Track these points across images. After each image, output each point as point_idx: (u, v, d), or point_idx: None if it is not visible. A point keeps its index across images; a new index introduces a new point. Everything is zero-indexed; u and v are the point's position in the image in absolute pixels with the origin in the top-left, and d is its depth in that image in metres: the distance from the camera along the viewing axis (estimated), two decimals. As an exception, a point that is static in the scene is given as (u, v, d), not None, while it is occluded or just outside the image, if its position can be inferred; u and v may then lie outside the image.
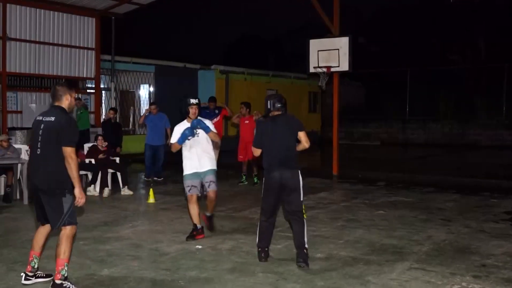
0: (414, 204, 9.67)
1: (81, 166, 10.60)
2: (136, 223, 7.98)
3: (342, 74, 14.39)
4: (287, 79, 25.57)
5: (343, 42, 13.40)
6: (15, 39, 14.80)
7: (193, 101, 7.07)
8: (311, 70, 13.89)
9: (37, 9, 15.34)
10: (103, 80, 18.20)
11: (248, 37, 44.26)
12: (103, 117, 17.35)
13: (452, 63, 29.88)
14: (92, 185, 10.50)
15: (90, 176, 10.71)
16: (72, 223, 5.00)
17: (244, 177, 12.13)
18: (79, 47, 16.46)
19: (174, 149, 7.06)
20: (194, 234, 6.93)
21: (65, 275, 4.92)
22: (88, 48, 16.68)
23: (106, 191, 10.43)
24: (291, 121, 5.92)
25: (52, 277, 5.08)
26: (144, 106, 19.33)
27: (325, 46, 13.61)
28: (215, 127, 12.30)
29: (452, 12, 30.30)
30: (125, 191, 10.59)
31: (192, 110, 7.04)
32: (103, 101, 18.45)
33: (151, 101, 19.85)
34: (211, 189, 6.99)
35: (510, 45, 26.95)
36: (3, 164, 9.69)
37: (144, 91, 20.43)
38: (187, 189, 6.97)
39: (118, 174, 10.87)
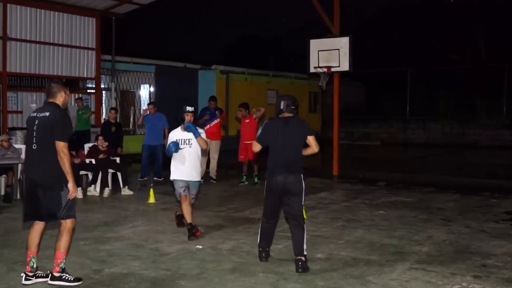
0: (414, 204, 9.67)
1: (82, 166, 10.64)
2: (136, 223, 7.98)
3: (342, 74, 14.40)
4: (287, 79, 25.57)
5: (343, 42, 13.40)
6: (16, 39, 14.81)
7: (189, 108, 7.33)
8: (312, 70, 13.89)
9: (38, 9, 15.35)
10: (103, 80, 18.20)
11: (248, 37, 44.24)
12: (104, 117, 17.38)
13: (452, 63, 29.87)
14: (93, 185, 10.50)
15: (90, 176, 10.71)
16: (70, 217, 5.13)
17: (244, 177, 12.13)
18: (80, 47, 16.46)
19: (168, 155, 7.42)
20: (193, 232, 7.00)
21: (63, 267, 5.10)
22: (88, 48, 16.69)
23: (107, 191, 10.43)
24: (302, 125, 5.87)
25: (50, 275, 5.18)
26: (144, 106, 19.33)
27: (325, 46, 13.61)
28: (214, 128, 12.50)
29: (452, 12, 30.29)
30: (126, 191, 10.60)
31: (187, 118, 7.27)
32: (103, 101, 18.46)
33: (151, 101, 19.88)
34: (192, 200, 7.35)
35: (510, 45, 26.93)
36: (3, 164, 9.70)
37: (145, 91, 20.43)
38: (180, 189, 7.19)
39: (119, 174, 10.88)
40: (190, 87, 20.29)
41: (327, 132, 23.87)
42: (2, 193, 9.96)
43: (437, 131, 25.24)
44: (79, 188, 10.19)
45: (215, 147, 12.51)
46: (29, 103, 15.39)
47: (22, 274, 5.16)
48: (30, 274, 5.14)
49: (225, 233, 7.31)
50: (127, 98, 20.18)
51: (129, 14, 17.55)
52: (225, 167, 13.77)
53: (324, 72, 13.67)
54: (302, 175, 5.77)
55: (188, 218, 7.06)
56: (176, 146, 7.16)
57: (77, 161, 10.61)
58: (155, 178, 12.39)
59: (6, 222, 7.98)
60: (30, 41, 15.18)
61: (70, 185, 5.07)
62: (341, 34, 13.70)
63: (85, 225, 7.76)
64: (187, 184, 7.22)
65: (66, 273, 5.13)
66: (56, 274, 5.09)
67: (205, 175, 12.49)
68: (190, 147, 7.23)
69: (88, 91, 17.65)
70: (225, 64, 23.67)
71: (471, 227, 7.75)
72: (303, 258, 5.56)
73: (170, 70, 20.26)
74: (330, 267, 5.73)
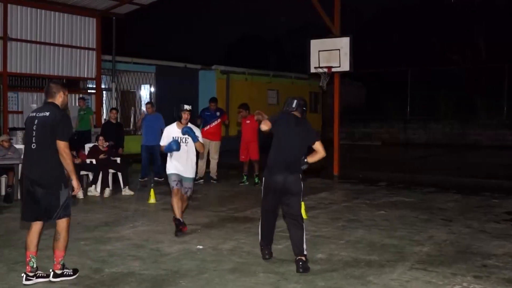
0: (415, 204, 9.67)
1: (82, 166, 10.64)
2: (137, 223, 7.98)
3: (343, 74, 14.40)
4: (287, 79, 25.56)
5: (344, 42, 13.40)
6: (16, 40, 14.81)
7: (186, 107, 7.46)
8: (312, 70, 13.90)
9: (38, 10, 15.35)
10: (104, 80, 18.20)
11: (249, 37, 44.24)
12: (104, 117, 17.38)
13: (453, 63, 29.86)
14: (93, 186, 10.50)
15: (91, 177, 10.71)
16: (66, 216, 5.22)
17: (245, 177, 12.13)
18: (80, 48, 16.46)
19: (162, 151, 7.58)
20: (180, 228, 7.18)
21: (63, 263, 5.24)
22: (89, 49, 16.69)
23: (107, 192, 10.43)
24: (310, 130, 5.87)
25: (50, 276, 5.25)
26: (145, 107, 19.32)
27: (326, 46, 13.61)
28: (215, 129, 12.50)
29: (452, 12, 30.28)
30: (126, 191, 10.60)
31: (184, 116, 7.44)
32: (104, 102, 18.46)
33: (152, 101, 19.87)
34: (187, 195, 7.56)
35: (510, 45, 26.92)
36: (4, 164, 9.70)
37: (145, 91, 20.44)
38: (173, 183, 7.37)
39: (119, 174, 10.88)
40: (190, 87, 20.29)
41: (327, 132, 23.86)
42: (3, 193, 9.97)
43: (437, 131, 25.24)
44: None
45: (214, 147, 12.51)
46: (30, 103, 15.40)
47: (22, 275, 5.18)
48: (31, 274, 5.16)
49: (226, 233, 7.31)
50: (128, 98, 20.18)
51: (129, 14, 17.55)
52: (226, 167, 13.76)
53: (324, 72, 13.67)
54: (301, 175, 5.76)
55: (177, 213, 7.23)
56: (177, 144, 7.25)
57: (77, 161, 10.60)
58: (156, 178, 12.39)
59: (6, 222, 7.98)
60: (31, 41, 15.18)
61: (75, 182, 5.19)
62: (342, 34, 13.71)
63: (85, 225, 7.77)
64: (180, 178, 7.40)
65: (66, 268, 5.27)
66: (58, 272, 5.21)
67: (206, 175, 12.51)
68: (186, 145, 7.39)
69: (88, 91, 17.65)
70: (226, 64, 23.67)
71: (472, 227, 7.75)
72: (303, 258, 5.54)
73: (171, 70, 20.27)
74: (331, 267, 5.73)
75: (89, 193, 10.43)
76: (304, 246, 5.61)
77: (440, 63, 28.47)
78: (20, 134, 13.86)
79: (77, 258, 5.98)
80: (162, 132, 12.27)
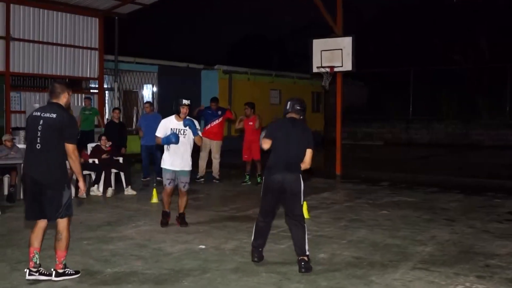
0: (417, 204, 9.66)
1: (85, 166, 10.63)
2: (139, 223, 7.98)
3: (345, 74, 14.39)
4: (290, 79, 25.55)
5: (346, 42, 13.40)
6: (19, 39, 14.82)
7: (185, 101, 7.59)
8: (315, 70, 13.90)
9: (41, 9, 15.35)
10: (106, 80, 18.21)
11: (251, 37, 44.22)
12: (107, 117, 17.39)
13: (455, 63, 29.82)
14: (96, 185, 10.51)
15: (93, 176, 10.72)
16: (68, 215, 5.27)
17: (247, 176, 12.13)
18: (83, 47, 16.47)
19: (158, 142, 7.74)
20: (167, 220, 7.69)
21: (65, 263, 5.26)
22: (91, 48, 16.69)
23: (110, 191, 10.44)
24: (307, 132, 5.83)
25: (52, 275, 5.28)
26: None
27: (328, 46, 13.60)
28: (217, 128, 12.51)
29: (455, 12, 30.23)
30: (129, 191, 10.61)
31: (183, 110, 7.58)
32: (106, 101, 18.47)
33: (154, 101, 19.88)
34: (185, 189, 7.65)
35: (513, 45, 26.89)
36: (6, 164, 9.72)
37: (148, 91, 20.44)
38: (166, 181, 7.63)
39: (122, 174, 10.88)
40: (193, 87, 20.29)
41: (330, 132, 23.88)
42: (6, 193, 9.98)
43: (440, 131, 25.20)
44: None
45: (216, 147, 12.50)
46: (32, 103, 15.41)
47: (25, 270, 5.23)
48: (34, 270, 5.22)
49: (228, 233, 7.31)
50: (130, 98, 20.19)
51: (132, 14, 17.55)
52: (228, 167, 13.77)
53: (327, 72, 13.67)
54: (301, 175, 5.72)
55: (166, 206, 7.69)
56: (176, 137, 7.39)
57: (80, 161, 10.61)
58: (158, 178, 12.39)
59: (9, 222, 7.99)
60: (33, 41, 15.19)
61: (81, 184, 5.31)
62: (344, 34, 13.70)
63: (88, 224, 7.78)
64: (175, 176, 7.57)
65: (68, 268, 5.29)
66: (60, 271, 5.24)
67: (207, 175, 12.51)
68: (184, 137, 7.55)
69: (91, 91, 17.66)
70: (228, 64, 23.67)
71: (475, 227, 7.74)
72: (305, 258, 5.53)
73: (173, 70, 20.27)
74: (333, 267, 5.73)
75: (91, 193, 10.43)
76: (306, 246, 5.58)
77: (443, 63, 28.43)
78: (22, 133, 13.87)
79: (80, 258, 5.99)
80: None
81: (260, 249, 5.85)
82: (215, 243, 6.72)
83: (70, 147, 5.14)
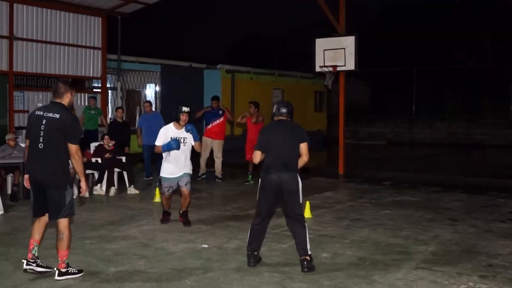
0: (420, 203, 9.65)
1: (88, 165, 10.66)
2: (142, 222, 8.00)
3: (348, 73, 14.37)
4: (292, 78, 25.55)
5: (349, 41, 13.38)
6: (22, 39, 14.84)
7: (184, 109, 7.54)
8: (317, 69, 13.88)
9: (44, 9, 15.37)
10: (109, 79, 18.23)
11: (254, 36, 44.25)
12: (110, 116, 17.42)
13: (458, 62, 29.79)
14: (99, 184, 10.52)
15: (96, 175, 10.74)
16: (71, 215, 5.32)
17: (250, 176, 12.13)
18: (86, 47, 16.49)
19: (158, 151, 7.68)
20: (167, 218, 7.85)
21: (67, 262, 5.29)
22: (94, 48, 16.71)
23: (113, 190, 10.46)
24: (296, 129, 5.81)
25: (51, 269, 5.35)
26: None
27: (331, 45, 13.59)
28: (218, 127, 12.49)
29: (458, 11, 30.19)
30: (131, 190, 10.62)
31: (183, 118, 7.55)
32: (109, 101, 18.50)
33: (156, 100, 19.91)
34: (186, 188, 7.61)
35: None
36: (10, 163, 9.74)
37: (150, 91, 20.46)
38: (165, 189, 7.74)
39: (124, 173, 10.90)
40: (195, 86, 20.32)
41: (332, 131, 23.86)
42: (9, 192, 10.00)
43: (443, 130, 25.17)
44: (85, 187, 10.25)
45: (218, 146, 12.51)
46: (36, 102, 15.43)
47: (23, 260, 5.34)
48: (31, 261, 5.31)
49: (231, 232, 7.31)
50: (133, 98, 20.21)
51: (134, 14, 17.56)
52: (231, 166, 13.78)
53: (329, 71, 13.66)
54: (297, 174, 5.68)
55: (165, 206, 7.85)
56: (177, 143, 7.38)
57: (83, 160, 10.63)
58: (160, 176, 12.42)
59: (13, 221, 8.01)
60: (36, 41, 15.21)
61: (83, 184, 5.34)
62: (347, 33, 13.68)
63: (91, 224, 7.80)
64: (174, 184, 7.65)
65: (70, 267, 5.31)
66: (63, 270, 5.25)
67: (211, 175, 12.52)
68: (184, 145, 7.56)
69: (94, 90, 17.68)
70: (231, 63, 23.69)
71: (478, 226, 7.73)
72: (308, 258, 5.52)
73: (176, 70, 20.28)
74: (336, 267, 5.73)
75: (94, 192, 10.45)
76: (308, 245, 5.56)
77: (446, 63, 28.41)
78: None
79: (83, 257, 6.00)
80: None
81: (255, 253, 5.75)
82: (217, 243, 6.72)
83: (73, 147, 5.17)
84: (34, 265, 5.31)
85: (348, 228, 7.64)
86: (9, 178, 10.17)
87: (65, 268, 5.25)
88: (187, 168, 7.63)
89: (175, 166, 7.55)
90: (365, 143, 25.61)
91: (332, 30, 14.13)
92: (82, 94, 17.08)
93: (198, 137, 7.57)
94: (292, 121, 5.93)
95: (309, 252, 5.56)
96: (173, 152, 7.48)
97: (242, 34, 45.56)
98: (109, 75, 17.97)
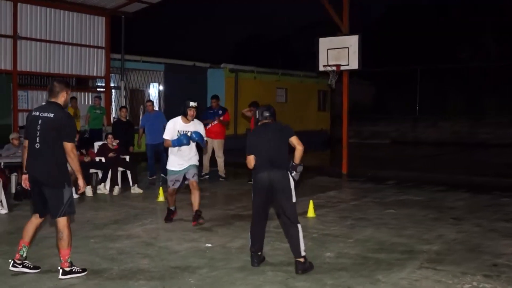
0: (424, 202, 9.63)
1: (92, 164, 10.69)
2: (146, 221, 8.01)
3: (351, 72, 14.36)
4: (296, 77, 25.53)
5: (353, 41, 13.37)
6: (26, 38, 14.88)
7: (192, 104, 7.48)
8: (321, 68, 13.88)
9: (48, 8, 15.41)
10: (113, 78, 18.24)
11: (257, 36, 44.23)
12: (113, 116, 17.44)
13: (462, 61, 29.73)
14: (102, 184, 10.54)
15: (100, 175, 10.76)
16: (70, 213, 5.33)
17: (253, 175, 12.10)
18: (89, 46, 16.51)
19: (166, 145, 7.60)
20: (171, 217, 7.84)
21: (70, 260, 5.30)
22: (98, 47, 16.73)
23: (116, 190, 10.47)
24: (282, 128, 5.82)
25: (39, 269, 5.42)
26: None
27: (334, 44, 13.58)
28: (218, 127, 12.47)
29: (462, 10, 30.12)
30: (135, 190, 10.63)
31: (190, 113, 7.50)
32: (113, 100, 18.52)
33: (160, 99, 19.91)
34: (194, 179, 7.58)
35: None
36: (14, 162, 9.76)
37: (154, 90, 20.47)
38: (170, 183, 7.69)
39: (128, 172, 10.91)
40: (199, 85, 20.31)
41: (336, 130, 23.84)
42: (13, 191, 10.02)
43: (446, 129, 25.12)
44: (89, 187, 10.28)
45: (218, 146, 12.51)
46: (40, 102, 15.46)
47: (10, 260, 5.39)
48: (18, 262, 5.36)
49: (234, 231, 7.32)
50: (137, 97, 20.22)
51: (138, 13, 17.58)
52: (234, 165, 13.77)
53: (333, 71, 13.64)
54: (288, 172, 5.66)
55: (170, 203, 7.87)
56: (188, 139, 7.33)
57: (87, 159, 10.66)
58: (162, 175, 12.44)
59: (17, 220, 8.03)
60: (40, 40, 15.24)
61: (81, 181, 5.35)
62: (351, 33, 13.66)
63: (95, 223, 7.81)
64: (180, 178, 7.63)
65: (74, 266, 5.32)
66: (67, 269, 5.27)
67: (214, 174, 12.52)
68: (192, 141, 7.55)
69: (97, 89, 17.71)
70: (234, 62, 23.69)
71: (482, 226, 7.71)
72: (301, 260, 5.45)
73: (179, 69, 20.29)
74: (339, 266, 5.72)
75: (98, 191, 10.47)
76: (302, 246, 5.47)
77: (450, 62, 28.35)
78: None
79: (87, 256, 6.01)
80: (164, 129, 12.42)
81: (259, 253, 5.75)
82: (221, 242, 6.73)
83: (68, 146, 5.18)
84: (21, 266, 5.36)
85: (351, 227, 7.63)
86: (13, 177, 10.19)
87: (68, 267, 5.26)
88: (194, 160, 7.63)
89: (181, 159, 7.54)
90: (369, 142, 25.58)
91: (335, 29, 14.11)
92: (86, 93, 17.11)
93: (205, 143, 7.66)
94: (276, 121, 5.94)
95: (303, 254, 5.47)
96: (177, 148, 7.49)
97: (246, 34, 45.58)
98: (112, 74, 17.99)
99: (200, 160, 10.78)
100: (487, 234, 7.19)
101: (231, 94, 21.28)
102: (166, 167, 7.80)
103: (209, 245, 6.58)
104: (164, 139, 7.57)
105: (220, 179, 12.43)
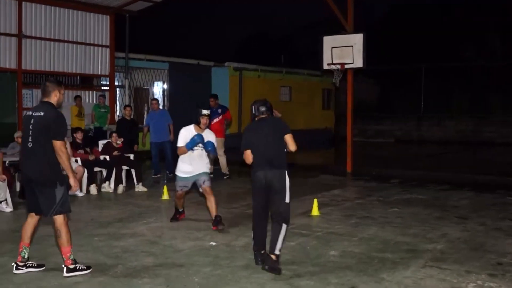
0: (428, 201, 9.62)
1: (96, 163, 10.71)
2: (150, 219, 8.02)
3: (356, 71, 14.34)
4: (300, 76, 25.51)
5: (357, 39, 13.34)
6: (31, 37, 14.93)
7: (204, 112, 7.38)
8: (325, 67, 13.86)
9: (52, 7, 15.46)
10: (117, 77, 18.29)
11: (261, 34, 44.20)
12: (117, 114, 17.48)
13: (467, 60, 29.64)
14: (107, 182, 10.56)
15: (104, 173, 10.78)
16: (63, 212, 5.30)
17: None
18: (94, 45, 16.56)
19: (181, 153, 7.42)
20: (177, 217, 7.81)
21: (73, 258, 5.30)
22: (102, 46, 16.77)
23: (121, 188, 10.49)
24: (278, 123, 5.78)
25: (44, 267, 5.44)
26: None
27: (339, 43, 13.56)
28: (217, 126, 12.47)
29: (466, 8, 30.01)
30: (140, 188, 10.64)
31: (203, 121, 7.39)
32: (117, 99, 18.56)
33: (164, 98, 19.94)
34: (205, 185, 7.43)
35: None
36: (19, 160, 9.77)
37: (158, 88, 20.52)
38: (178, 188, 7.61)
39: (133, 171, 10.93)
40: (203, 84, 20.33)
41: (340, 129, 23.82)
42: (18, 189, 10.05)
43: (451, 128, 25.06)
44: (94, 185, 10.30)
45: (218, 144, 12.39)
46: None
47: (12, 264, 5.38)
48: (21, 264, 5.36)
49: (238, 230, 7.31)
50: (141, 95, 20.27)
51: (142, 12, 17.61)
52: (238, 164, 13.75)
53: (337, 69, 13.63)
54: (286, 171, 5.61)
55: (178, 205, 7.81)
56: (201, 137, 7.21)
57: (91, 157, 10.68)
58: (167, 172, 12.47)
59: (21, 218, 8.00)
60: (45, 39, 15.29)
61: (72, 180, 5.29)
62: (355, 31, 13.64)
63: (99, 221, 7.83)
64: (189, 184, 7.57)
65: (78, 263, 5.33)
66: (71, 266, 5.29)
67: (217, 172, 12.51)
68: (202, 149, 7.39)
69: (102, 88, 17.75)
70: (238, 61, 23.69)
71: (486, 225, 7.69)
72: (273, 257, 5.40)
73: (184, 67, 20.31)
74: (344, 264, 5.72)
75: (103, 190, 10.49)
76: (278, 246, 5.42)
77: (454, 60, 28.27)
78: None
79: (91, 254, 6.03)
80: (169, 128, 12.46)
81: (262, 252, 5.73)
82: (225, 240, 6.73)
83: (57, 144, 5.17)
84: (24, 267, 5.36)
85: (356, 226, 7.62)
86: (18, 176, 10.21)
87: (72, 264, 5.27)
88: (204, 167, 7.48)
89: (191, 166, 7.41)
90: (373, 141, 25.55)
91: (339, 28, 14.09)
92: (91, 92, 17.15)
93: (215, 152, 7.53)
94: (272, 116, 5.90)
95: (277, 252, 5.41)
96: (188, 155, 7.35)
97: (249, 32, 45.52)
98: (117, 73, 18.04)
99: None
100: (492, 233, 7.18)
101: (235, 93, 21.29)
102: (175, 173, 7.67)
103: (214, 243, 6.59)
104: (178, 147, 7.39)
105: (224, 177, 12.43)
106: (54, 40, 15.50)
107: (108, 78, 17.31)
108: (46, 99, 5.35)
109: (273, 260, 5.40)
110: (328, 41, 13.75)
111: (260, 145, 5.66)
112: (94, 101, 16.14)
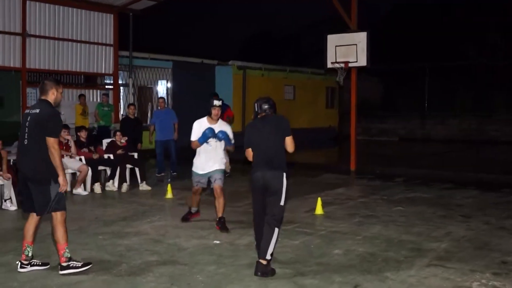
0: (432, 200, 9.60)
1: (100, 161, 10.73)
2: (154, 218, 8.03)
3: (359, 69, 14.32)
4: (304, 74, 25.47)
5: (361, 37, 13.33)
6: (35, 36, 14.95)
7: (216, 103, 7.27)
8: (329, 65, 13.85)
9: (56, 6, 15.49)
10: (121, 76, 18.31)
11: (265, 33, 44.19)
12: (121, 113, 17.50)
13: (470, 59, 29.58)
14: (111, 181, 10.58)
15: (108, 172, 10.80)
16: (58, 209, 5.31)
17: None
18: (98, 43, 16.58)
19: (194, 147, 7.31)
20: (188, 217, 7.71)
21: (69, 256, 5.31)
22: (106, 44, 16.79)
23: (125, 187, 10.51)
24: (281, 122, 5.72)
25: (48, 265, 5.46)
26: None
27: (343, 41, 13.55)
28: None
29: (470, 7, 29.95)
30: (143, 187, 10.66)
31: (215, 112, 7.27)
32: (121, 97, 18.58)
33: (168, 96, 19.95)
34: (217, 184, 7.29)
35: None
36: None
37: (162, 87, 20.52)
38: (195, 183, 7.51)
39: (137, 169, 10.93)
40: (207, 82, 20.32)
41: (344, 127, 23.78)
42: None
43: (455, 127, 25.01)
44: (98, 184, 10.33)
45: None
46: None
47: (17, 262, 5.40)
48: (25, 262, 5.38)
49: (242, 228, 7.31)
50: (145, 94, 20.28)
51: (146, 10, 17.63)
52: (241, 162, 13.75)
53: (341, 68, 13.61)
54: (284, 173, 5.55)
55: (193, 204, 7.72)
56: (212, 131, 7.12)
57: (95, 156, 10.70)
58: (171, 171, 12.48)
59: (26, 216, 8.05)
60: (49, 38, 15.32)
61: (61, 178, 5.28)
62: (359, 29, 13.63)
63: (103, 220, 7.85)
64: (205, 179, 7.41)
65: (73, 261, 5.34)
66: (64, 264, 5.30)
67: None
68: (216, 141, 7.29)
69: (106, 87, 17.77)
70: (242, 59, 23.66)
71: (490, 223, 7.68)
72: (263, 262, 5.29)
73: (187, 66, 20.30)
74: (348, 263, 5.72)
75: (107, 188, 10.51)
76: (269, 250, 5.32)
77: (458, 59, 28.22)
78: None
79: (95, 253, 6.04)
80: (174, 127, 12.48)
81: None
82: (229, 239, 6.74)
83: (51, 140, 5.20)
84: (29, 266, 5.38)
85: (360, 224, 7.62)
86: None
87: (65, 262, 5.29)
88: (218, 164, 7.36)
89: (205, 162, 7.31)
90: (377, 139, 25.52)
91: (343, 26, 14.08)
92: (94, 90, 17.17)
93: (230, 142, 7.33)
94: (275, 114, 5.83)
95: (268, 257, 5.31)
96: (204, 148, 7.24)
97: (253, 31, 45.50)
98: (121, 71, 18.06)
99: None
100: (496, 232, 7.16)
101: (239, 91, 21.27)
102: (192, 169, 7.51)
103: (218, 242, 6.60)
104: (191, 141, 7.28)
105: (226, 175, 12.40)
106: (58, 39, 15.53)
107: (112, 76, 17.33)
108: (43, 97, 5.40)
109: (264, 265, 5.29)
110: (332, 40, 13.73)
111: (261, 144, 5.65)
112: (98, 100, 16.16)
